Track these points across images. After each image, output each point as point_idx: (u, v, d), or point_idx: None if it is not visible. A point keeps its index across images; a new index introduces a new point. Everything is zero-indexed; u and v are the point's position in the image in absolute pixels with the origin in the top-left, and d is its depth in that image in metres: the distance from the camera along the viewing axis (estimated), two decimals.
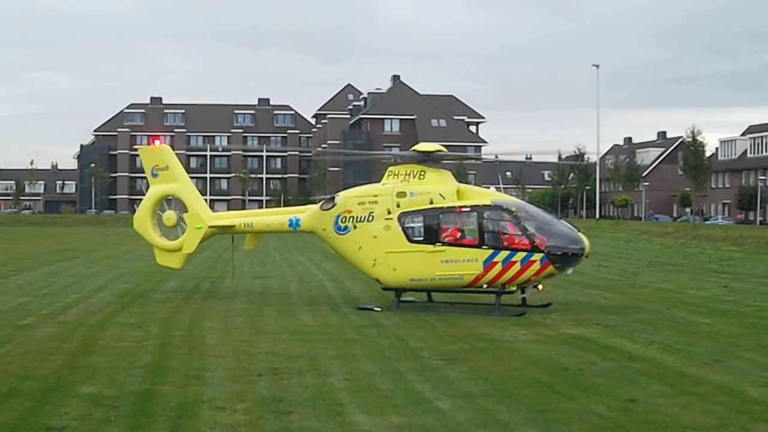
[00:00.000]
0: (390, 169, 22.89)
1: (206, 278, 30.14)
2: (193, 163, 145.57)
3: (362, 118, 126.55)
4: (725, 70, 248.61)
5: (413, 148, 23.24)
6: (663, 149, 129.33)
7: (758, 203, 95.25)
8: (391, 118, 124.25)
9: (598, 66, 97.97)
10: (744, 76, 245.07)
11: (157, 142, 25.55)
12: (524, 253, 20.83)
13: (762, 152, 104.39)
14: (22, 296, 24.00)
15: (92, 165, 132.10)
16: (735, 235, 56.74)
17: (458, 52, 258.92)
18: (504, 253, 20.90)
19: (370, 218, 22.08)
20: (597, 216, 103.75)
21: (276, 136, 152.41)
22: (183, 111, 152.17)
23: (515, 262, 20.85)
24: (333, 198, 23.14)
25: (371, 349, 16.05)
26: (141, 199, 26.18)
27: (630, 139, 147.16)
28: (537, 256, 20.79)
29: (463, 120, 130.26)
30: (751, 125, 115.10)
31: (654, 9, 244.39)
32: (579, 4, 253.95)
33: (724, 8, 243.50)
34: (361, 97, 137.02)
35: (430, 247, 21.36)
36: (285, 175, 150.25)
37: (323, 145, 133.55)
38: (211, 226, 24.19)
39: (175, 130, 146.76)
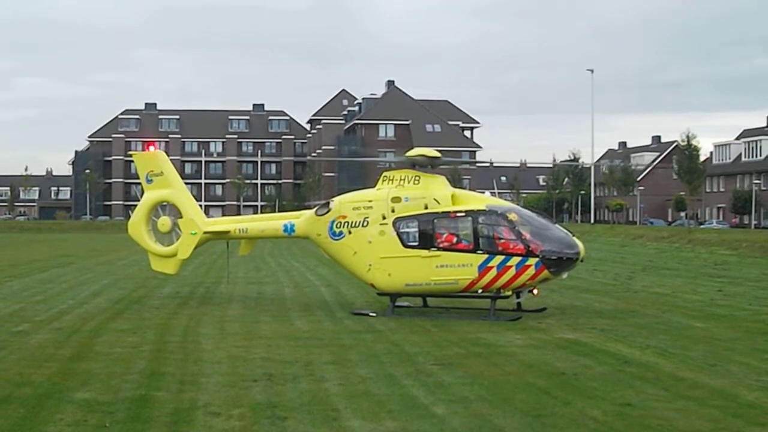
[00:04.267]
0: (384, 174, 22.87)
1: (201, 284, 30.10)
2: (188, 168, 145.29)
3: (357, 124, 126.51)
4: (719, 75, 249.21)
5: (407, 153, 23.26)
6: (658, 153, 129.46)
7: (753, 207, 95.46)
8: (385, 123, 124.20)
9: (592, 71, 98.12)
10: (738, 80, 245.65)
11: (151, 147, 25.54)
12: (519, 258, 20.82)
13: (756, 156, 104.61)
14: (17, 303, 23.95)
15: (87, 171, 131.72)
16: (730, 239, 56.77)
17: (453, 58, 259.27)
18: (499, 258, 20.91)
19: (365, 223, 22.07)
20: (592, 220, 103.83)
21: (271, 142, 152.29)
22: (178, 117, 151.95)
23: (510, 266, 20.85)
24: (328, 203, 23.14)
25: (366, 354, 16.04)
26: (136, 205, 26.16)
27: (624, 143, 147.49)
28: (532, 261, 20.79)
29: (457, 125, 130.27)
30: (746, 129, 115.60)
31: (648, 15, 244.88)
32: (574, 10, 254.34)
33: (717, 14, 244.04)
34: (355, 102, 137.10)
35: (425, 252, 21.35)
36: (280, 181, 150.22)
37: (318, 151, 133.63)
38: (205, 232, 24.17)
39: (170, 135, 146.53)
